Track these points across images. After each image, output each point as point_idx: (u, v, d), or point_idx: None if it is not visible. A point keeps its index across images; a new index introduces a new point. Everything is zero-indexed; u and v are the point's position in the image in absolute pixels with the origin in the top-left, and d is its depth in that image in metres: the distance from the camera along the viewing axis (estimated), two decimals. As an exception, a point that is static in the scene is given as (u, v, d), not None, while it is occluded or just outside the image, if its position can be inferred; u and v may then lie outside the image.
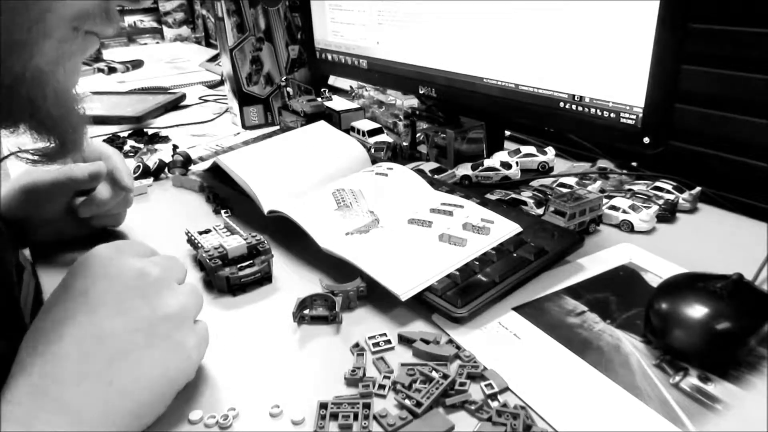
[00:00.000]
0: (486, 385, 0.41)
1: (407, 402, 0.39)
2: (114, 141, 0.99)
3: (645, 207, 0.63)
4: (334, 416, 0.38)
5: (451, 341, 0.45)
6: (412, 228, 0.57)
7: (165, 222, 0.70)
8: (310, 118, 0.90)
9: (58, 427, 0.33)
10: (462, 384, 0.41)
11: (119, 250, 0.41)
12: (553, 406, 0.39)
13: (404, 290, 0.48)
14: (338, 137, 0.75)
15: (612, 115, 0.58)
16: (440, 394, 0.39)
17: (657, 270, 0.55)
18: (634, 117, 0.56)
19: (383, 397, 0.40)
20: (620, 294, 0.51)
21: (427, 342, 0.45)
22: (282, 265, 0.58)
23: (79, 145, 0.41)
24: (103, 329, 0.36)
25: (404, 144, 0.86)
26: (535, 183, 0.72)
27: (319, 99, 0.97)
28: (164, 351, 0.38)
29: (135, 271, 0.39)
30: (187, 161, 0.82)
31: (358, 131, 0.89)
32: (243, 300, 0.53)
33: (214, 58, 1.67)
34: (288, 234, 0.60)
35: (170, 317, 0.39)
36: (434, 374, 0.41)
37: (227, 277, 0.53)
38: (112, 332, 0.36)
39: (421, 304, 0.49)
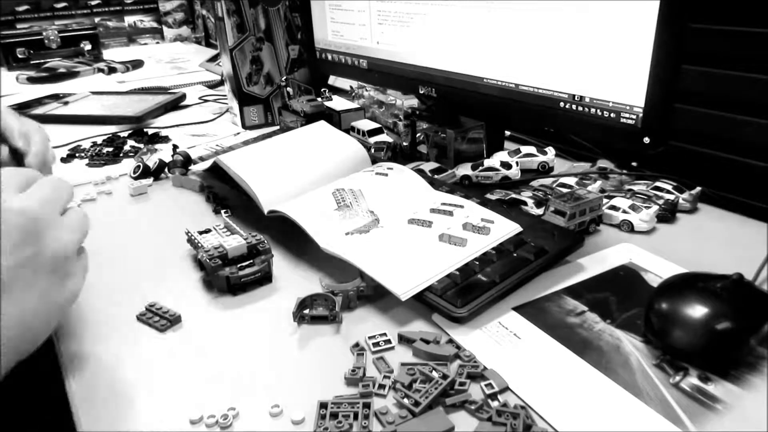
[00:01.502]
0: (486, 385, 0.41)
1: (405, 401, 0.39)
2: (114, 141, 0.99)
3: (645, 207, 0.63)
4: (334, 416, 0.38)
5: (451, 341, 0.45)
6: (412, 228, 0.57)
7: (165, 222, 0.70)
8: (310, 118, 0.90)
9: None
10: (462, 384, 0.41)
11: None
12: (553, 406, 0.39)
13: (404, 290, 0.48)
14: (338, 137, 0.75)
15: (612, 115, 0.58)
16: (439, 394, 0.39)
17: (657, 270, 0.55)
18: (634, 117, 0.56)
19: (383, 396, 0.40)
20: (620, 294, 0.51)
21: (427, 342, 0.45)
22: (282, 265, 0.58)
23: None
24: None
25: (404, 144, 0.86)
26: (535, 183, 0.72)
27: (319, 99, 0.97)
28: (50, 284, 0.40)
29: (15, 212, 0.40)
30: (187, 161, 0.82)
31: (358, 131, 0.89)
32: (243, 300, 0.53)
33: (214, 58, 1.67)
34: (288, 234, 0.60)
35: (56, 255, 0.40)
36: (434, 374, 0.41)
37: (227, 277, 0.53)
38: None
39: (421, 304, 0.49)
